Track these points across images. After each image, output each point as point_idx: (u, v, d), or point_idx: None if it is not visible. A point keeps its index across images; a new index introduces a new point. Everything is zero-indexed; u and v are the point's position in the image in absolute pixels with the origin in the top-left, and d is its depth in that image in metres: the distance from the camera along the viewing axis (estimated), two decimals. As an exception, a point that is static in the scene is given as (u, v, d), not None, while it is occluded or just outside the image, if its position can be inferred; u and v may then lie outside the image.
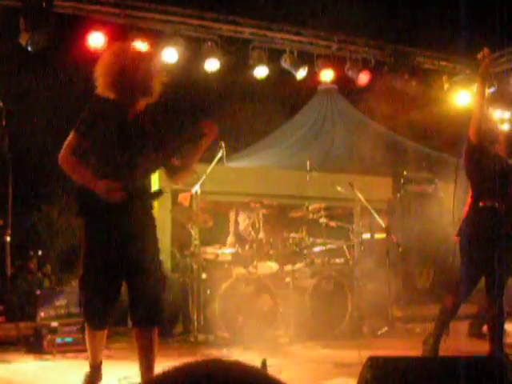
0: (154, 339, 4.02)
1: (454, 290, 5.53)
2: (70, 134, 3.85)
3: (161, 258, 4.23)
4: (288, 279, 7.51)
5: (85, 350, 5.97)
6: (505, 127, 10.46)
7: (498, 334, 5.35)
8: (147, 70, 3.92)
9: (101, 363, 4.32)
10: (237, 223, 8.10)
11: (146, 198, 4.03)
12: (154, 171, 4.24)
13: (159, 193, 4.16)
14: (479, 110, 5.30)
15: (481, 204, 5.31)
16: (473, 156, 5.39)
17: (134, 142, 3.89)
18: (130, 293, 4.02)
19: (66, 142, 3.83)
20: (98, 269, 3.93)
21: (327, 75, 9.80)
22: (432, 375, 2.95)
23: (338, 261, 8.06)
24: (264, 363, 4.14)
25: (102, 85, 3.90)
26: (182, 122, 4.06)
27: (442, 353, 5.39)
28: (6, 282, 6.96)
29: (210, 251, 7.83)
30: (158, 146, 3.98)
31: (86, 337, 4.19)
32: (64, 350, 6.08)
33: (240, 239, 7.92)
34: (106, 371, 4.87)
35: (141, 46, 8.29)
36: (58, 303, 6.92)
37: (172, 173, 4.17)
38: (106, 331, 4.20)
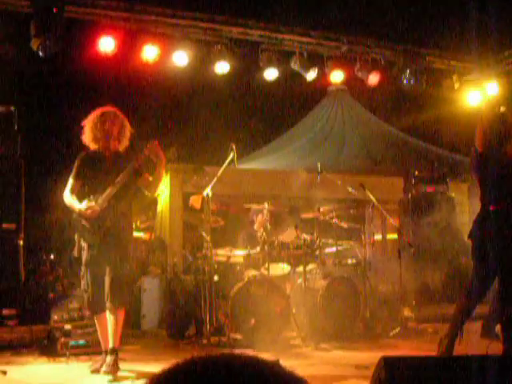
0: (115, 322, 5.41)
1: (467, 291, 5.50)
2: (69, 179, 5.59)
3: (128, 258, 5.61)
4: (300, 280, 7.51)
5: (98, 352, 6.05)
6: None
7: (511, 334, 5.32)
8: (111, 127, 5.58)
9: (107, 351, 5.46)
10: (252, 224, 8.12)
11: (119, 210, 5.53)
12: (123, 191, 5.57)
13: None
14: (483, 126, 5.28)
15: (490, 208, 5.27)
16: (479, 163, 5.38)
17: (106, 175, 5.52)
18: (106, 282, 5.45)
19: (66, 186, 5.57)
20: (91, 268, 5.52)
21: (337, 76, 9.78)
22: (445, 375, 2.94)
23: (349, 261, 8.04)
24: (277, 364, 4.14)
25: (87, 137, 5.64)
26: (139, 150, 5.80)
27: (455, 353, 5.38)
28: (19, 285, 7.00)
29: (222, 253, 7.84)
30: (125, 173, 5.52)
31: (96, 323, 5.61)
32: (77, 352, 6.10)
33: (252, 241, 7.92)
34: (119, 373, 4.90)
35: (150, 51, 8.34)
36: (70, 306, 6.96)
37: (147, 185, 5.76)
38: (105, 317, 5.44)
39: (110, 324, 5.39)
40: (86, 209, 5.44)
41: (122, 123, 5.67)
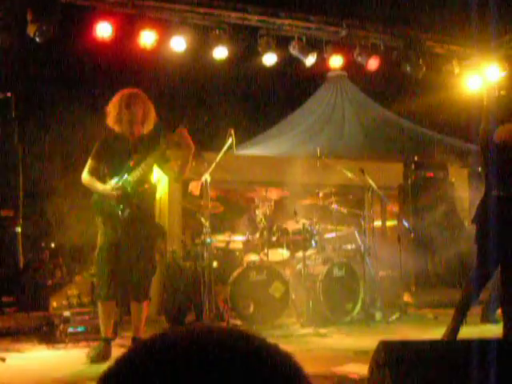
0: (141, 314, 5.45)
1: (471, 276, 5.47)
2: (88, 160, 5.49)
3: (154, 248, 5.65)
4: (299, 266, 7.50)
5: (97, 339, 6.04)
6: None
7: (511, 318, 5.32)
8: (137, 110, 5.42)
9: (110, 338, 5.49)
10: (253, 210, 8.10)
11: (143, 196, 5.45)
12: (146, 175, 5.49)
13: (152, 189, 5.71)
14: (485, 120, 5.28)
15: (493, 192, 5.23)
16: (483, 150, 5.37)
17: (128, 159, 5.41)
18: (124, 273, 5.39)
19: (85, 167, 5.48)
20: (109, 254, 5.36)
21: (336, 61, 9.73)
22: (444, 358, 2.92)
23: (349, 247, 8.03)
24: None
25: (110, 118, 5.50)
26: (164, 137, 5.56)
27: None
28: (17, 272, 6.99)
29: (221, 239, 7.83)
30: (147, 158, 5.40)
31: (99, 310, 5.45)
32: (76, 339, 6.10)
33: (251, 226, 7.91)
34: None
35: (148, 36, 8.27)
36: (69, 293, 6.95)
37: (171, 174, 5.83)
38: (113, 307, 5.47)
39: (136, 314, 5.43)
40: (113, 189, 5.31)
41: (147, 106, 5.51)
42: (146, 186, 5.49)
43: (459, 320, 5.39)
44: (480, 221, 5.34)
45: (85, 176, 5.48)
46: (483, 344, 2.96)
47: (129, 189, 5.34)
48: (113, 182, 5.36)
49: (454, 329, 5.35)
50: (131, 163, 5.39)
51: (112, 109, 5.47)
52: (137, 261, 5.34)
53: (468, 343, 3.07)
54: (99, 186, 5.39)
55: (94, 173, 5.46)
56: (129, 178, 5.36)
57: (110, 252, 5.33)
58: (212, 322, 6.80)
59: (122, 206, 5.32)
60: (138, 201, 5.38)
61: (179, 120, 5.50)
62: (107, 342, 5.41)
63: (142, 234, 5.38)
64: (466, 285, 5.54)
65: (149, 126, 5.54)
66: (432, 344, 3.30)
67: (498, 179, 5.21)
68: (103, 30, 8.00)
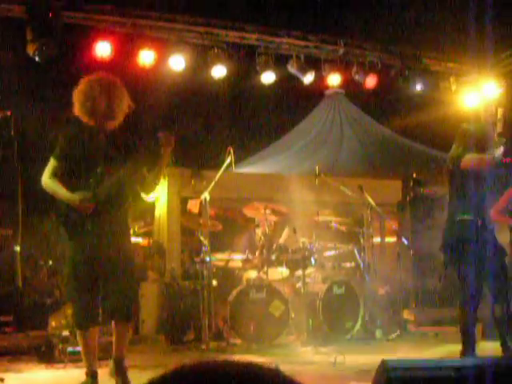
0: (123, 335, 4.72)
1: (461, 301, 5.56)
2: (50, 160, 4.57)
3: (133, 262, 4.83)
4: (299, 284, 7.48)
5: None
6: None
7: (503, 335, 5.44)
8: (109, 98, 4.56)
9: (97, 372, 4.68)
10: (253, 229, 8.11)
11: (119, 207, 4.64)
12: (124, 183, 4.66)
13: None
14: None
15: (457, 218, 5.45)
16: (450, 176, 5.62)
17: (101, 159, 4.54)
18: (104, 293, 4.60)
19: (47, 167, 4.57)
20: (81, 272, 4.54)
21: (334, 79, 9.77)
22: (447, 379, 2.91)
23: (348, 265, 8.02)
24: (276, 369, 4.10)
25: (77, 108, 4.59)
26: (142, 137, 4.99)
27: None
28: (16, 291, 6.96)
29: (221, 257, 7.82)
30: (124, 161, 4.59)
31: (80, 341, 4.69)
32: (75, 358, 6.04)
33: (251, 245, 7.90)
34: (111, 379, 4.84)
35: (147, 55, 8.31)
36: (68, 312, 6.91)
37: (143, 183, 4.82)
38: (96, 334, 4.70)
39: (118, 336, 4.65)
40: (82, 200, 4.41)
41: (121, 94, 4.65)
42: (123, 197, 4.68)
43: (468, 345, 5.38)
44: (451, 246, 5.51)
45: (46, 179, 4.55)
46: (486, 364, 2.95)
47: (102, 197, 4.50)
48: (80, 192, 4.47)
49: (467, 352, 5.34)
50: (103, 167, 4.53)
51: (77, 95, 4.57)
52: (115, 277, 4.54)
53: (472, 363, 3.05)
54: (64, 194, 4.47)
55: (56, 175, 4.55)
56: (103, 187, 4.51)
57: (82, 270, 4.50)
58: (211, 341, 6.78)
59: (90, 222, 4.49)
60: (111, 218, 4.57)
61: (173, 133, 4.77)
62: (94, 377, 4.64)
63: (117, 247, 4.57)
64: (460, 310, 5.55)
65: (120, 119, 4.69)
66: (436, 364, 3.29)
67: (464, 204, 5.42)
68: (102, 49, 8.02)
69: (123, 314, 4.65)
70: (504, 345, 5.45)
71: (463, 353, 5.37)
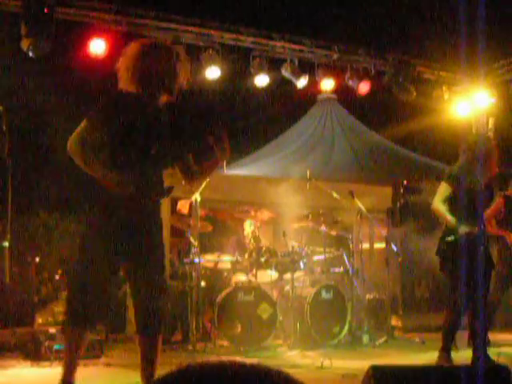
0: (158, 347, 3.90)
1: (449, 303, 5.70)
2: (82, 122, 3.69)
3: (165, 263, 4.01)
4: (287, 288, 7.49)
5: (83, 357, 5.95)
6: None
7: (479, 342, 5.56)
8: (170, 68, 3.84)
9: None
10: (242, 231, 8.11)
11: (157, 194, 3.89)
12: (168, 166, 4.02)
13: (170, 189, 3.98)
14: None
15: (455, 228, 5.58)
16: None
17: (149, 136, 3.76)
18: (134, 298, 3.90)
19: (77, 130, 3.68)
20: (97, 262, 3.72)
21: (327, 84, 9.80)
22: (435, 383, 2.92)
23: (337, 270, 8.03)
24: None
25: (123, 78, 3.83)
26: (198, 126, 4.21)
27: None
28: (3, 288, 6.92)
29: (210, 259, 7.81)
30: (174, 143, 3.89)
31: (65, 343, 3.93)
32: (62, 356, 5.99)
33: (240, 247, 7.90)
34: (104, 379, 4.84)
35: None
36: (55, 309, 6.89)
37: (187, 173, 4.10)
38: (88, 337, 3.97)
39: (149, 350, 3.83)
40: (125, 182, 3.62)
41: (184, 65, 3.93)
42: (164, 191, 3.94)
43: (449, 348, 5.58)
44: (443, 253, 5.69)
45: (76, 144, 3.66)
46: (472, 369, 2.96)
47: (147, 187, 3.76)
48: (124, 171, 3.67)
49: (445, 357, 5.53)
50: (152, 146, 3.77)
51: (141, 60, 3.80)
52: (145, 281, 3.81)
53: (457, 369, 3.07)
54: (101, 169, 3.65)
55: (90, 144, 3.67)
56: (152, 168, 3.78)
57: (102, 262, 3.73)
58: (198, 343, 6.76)
59: (124, 206, 3.71)
60: (148, 208, 3.84)
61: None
62: None
63: (153, 242, 3.87)
64: (446, 314, 5.68)
65: (175, 93, 3.94)
66: (422, 370, 3.30)
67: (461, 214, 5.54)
68: (97, 46, 8.01)
69: (155, 326, 3.86)
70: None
71: (442, 356, 5.54)
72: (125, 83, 3.81)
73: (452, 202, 5.63)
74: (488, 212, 7.02)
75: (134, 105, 3.76)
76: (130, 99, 3.78)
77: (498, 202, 7.05)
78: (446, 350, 5.58)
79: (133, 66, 3.80)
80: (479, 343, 5.61)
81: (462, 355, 6.02)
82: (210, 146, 3.96)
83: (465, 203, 5.54)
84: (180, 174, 4.11)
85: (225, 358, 6.26)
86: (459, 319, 5.63)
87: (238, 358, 6.28)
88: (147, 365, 3.85)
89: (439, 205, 5.64)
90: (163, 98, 3.89)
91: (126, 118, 3.70)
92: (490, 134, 11.16)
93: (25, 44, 7.68)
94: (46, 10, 7.73)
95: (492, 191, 5.85)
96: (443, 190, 5.67)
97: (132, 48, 3.88)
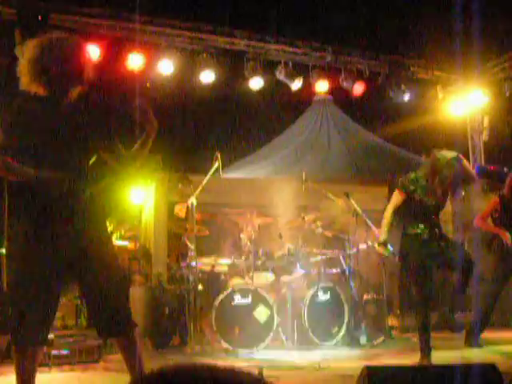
0: (134, 346, 3.69)
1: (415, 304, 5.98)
2: None
3: (117, 255, 3.84)
4: (284, 290, 7.51)
5: (81, 362, 6.00)
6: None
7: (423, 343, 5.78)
8: (72, 59, 3.65)
9: None
10: (238, 234, 8.13)
11: (92, 186, 3.64)
12: (92, 156, 3.75)
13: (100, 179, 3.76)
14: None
15: (408, 231, 5.95)
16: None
17: (67, 133, 3.59)
18: (89, 300, 3.68)
19: None
20: (37, 273, 3.41)
21: (322, 86, 9.84)
22: (428, 383, 2.95)
23: (334, 271, 8.06)
24: (260, 373, 4.13)
25: (27, 80, 3.61)
26: (115, 105, 4.02)
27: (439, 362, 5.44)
28: (1, 294, 6.93)
29: (207, 262, 7.83)
30: (93, 132, 3.71)
31: (16, 362, 3.54)
32: (60, 362, 6.04)
33: (236, 250, 7.92)
34: None
35: (136, 59, 8.33)
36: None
37: (117, 159, 3.85)
38: (41, 355, 3.77)
39: (130, 351, 3.68)
40: (48, 177, 3.44)
41: (79, 54, 3.71)
42: (96, 180, 3.72)
43: (425, 347, 5.75)
44: (401, 257, 6.07)
45: None
46: (466, 369, 2.99)
47: (69, 181, 3.54)
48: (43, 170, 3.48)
49: (425, 356, 5.72)
50: (67, 141, 3.59)
51: (35, 60, 3.60)
52: (98, 276, 3.56)
53: (451, 369, 3.10)
54: (23, 169, 3.41)
55: (7, 154, 3.41)
56: (71, 163, 3.58)
57: (44, 265, 3.42)
58: (196, 346, 6.79)
59: (57, 204, 3.48)
60: (83, 201, 3.59)
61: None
62: None
63: (96, 237, 3.62)
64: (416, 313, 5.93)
65: (79, 86, 3.73)
66: (416, 370, 3.33)
67: (411, 218, 5.97)
68: (91, 52, 8.03)
69: (122, 324, 3.66)
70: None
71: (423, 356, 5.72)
72: (29, 86, 3.62)
73: (403, 209, 5.97)
74: (483, 211, 7.07)
75: (42, 105, 3.58)
76: (37, 100, 3.59)
77: (493, 200, 7.08)
78: (422, 350, 5.74)
79: (32, 64, 3.60)
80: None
81: (454, 355, 6.07)
82: (136, 121, 3.76)
83: (414, 212, 5.91)
84: (110, 160, 3.83)
85: (222, 361, 6.30)
86: (427, 319, 5.81)
87: (236, 361, 6.31)
88: (129, 369, 3.74)
89: (388, 214, 6.00)
90: (75, 91, 3.70)
91: (36, 123, 3.53)
92: (485, 132, 11.22)
93: (19, 51, 7.70)
94: (40, 17, 7.77)
95: (442, 203, 6.06)
96: (395, 198, 6.02)
97: (28, 49, 3.68)
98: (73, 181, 3.53)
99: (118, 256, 3.85)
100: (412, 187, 5.93)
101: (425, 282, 5.82)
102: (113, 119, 3.85)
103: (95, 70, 3.82)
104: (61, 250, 3.46)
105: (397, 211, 5.98)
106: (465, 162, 5.95)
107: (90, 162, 3.70)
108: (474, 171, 6.73)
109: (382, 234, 5.93)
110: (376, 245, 6.06)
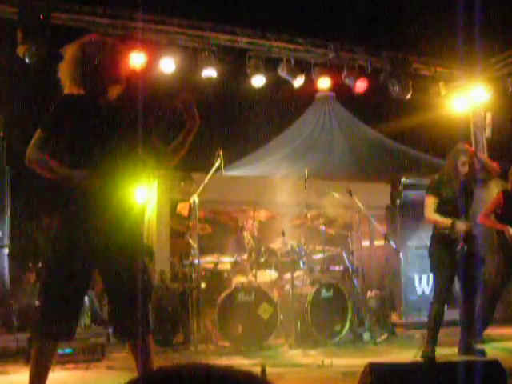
0: (148, 350, 3.66)
1: (435, 298, 6.16)
2: (36, 132, 3.59)
3: (144, 258, 3.82)
4: (287, 287, 7.50)
5: (84, 360, 6.00)
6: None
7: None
8: (112, 59, 3.76)
9: None
10: (241, 232, 8.13)
11: (127, 185, 3.69)
12: (132, 156, 3.77)
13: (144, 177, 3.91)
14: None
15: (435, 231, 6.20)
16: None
17: (108, 131, 3.66)
18: (113, 301, 3.69)
19: (32, 141, 3.58)
20: (71, 266, 3.51)
21: (324, 83, 9.82)
22: (431, 380, 2.94)
23: (337, 268, 8.05)
24: (263, 370, 4.13)
25: (68, 82, 3.73)
26: (156, 105, 4.00)
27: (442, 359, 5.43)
28: (4, 294, 6.95)
29: (209, 260, 7.83)
30: (134, 131, 3.75)
31: (35, 356, 3.53)
32: (64, 360, 6.04)
33: (239, 248, 7.92)
34: (106, 382, 4.86)
35: (137, 58, 8.31)
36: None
37: (157, 156, 3.89)
38: (56, 351, 3.74)
39: (143, 356, 3.61)
40: (84, 176, 3.49)
41: (119, 56, 3.84)
42: (132, 180, 3.75)
43: (432, 341, 6.03)
44: (430, 254, 6.25)
45: (33, 153, 3.54)
46: (469, 365, 2.98)
47: (106, 180, 3.57)
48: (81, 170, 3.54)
49: (430, 350, 5.98)
50: (107, 141, 3.66)
51: (75, 62, 3.72)
52: (125, 281, 3.58)
53: (454, 365, 3.09)
54: (61, 169, 3.55)
55: (47, 151, 3.57)
56: (109, 162, 3.62)
57: (76, 259, 3.52)
58: (199, 344, 6.79)
59: (93, 202, 3.54)
60: (119, 200, 3.64)
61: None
62: None
63: (128, 237, 3.63)
64: (432, 307, 6.14)
65: (120, 87, 3.85)
66: (419, 366, 3.32)
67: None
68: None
69: (141, 328, 3.61)
70: (466, 346, 6.08)
71: (427, 349, 5.99)
72: (70, 88, 3.71)
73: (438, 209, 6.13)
74: (487, 207, 7.06)
75: (83, 105, 3.67)
76: (79, 100, 3.69)
77: (497, 196, 7.07)
78: (430, 344, 6.02)
79: (72, 68, 3.71)
80: (463, 334, 6.13)
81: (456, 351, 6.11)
82: (179, 115, 3.79)
83: (446, 210, 6.06)
84: (150, 158, 3.88)
85: (226, 359, 6.30)
86: (442, 312, 6.05)
87: (240, 359, 6.31)
88: (139, 373, 3.61)
89: (432, 215, 6.11)
90: (113, 91, 3.79)
91: (77, 120, 3.61)
92: (488, 129, 11.19)
93: (21, 50, 7.71)
94: (41, 17, 7.76)
95: (470, 191, 6.24)
96: (429, 202, 6.15)
97: (67, 51, 3.79)
98: (110, 178, 3.57)
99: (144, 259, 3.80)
100: (437, 188, 6.16)
101: (444, 277, 6.05)
102: (151, 118, 3.88)
103: (133, 73, 3.79)
104: (91, 246, 3.51)
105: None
106: (479, 153, 6.22)
107: (128, 160, 3.71)
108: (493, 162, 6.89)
109: (446, 222, 6.02)
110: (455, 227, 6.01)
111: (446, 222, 6.00)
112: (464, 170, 6.10)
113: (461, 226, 5.95)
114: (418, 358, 5.94)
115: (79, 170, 3.52)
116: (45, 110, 3.74)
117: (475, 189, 6.30)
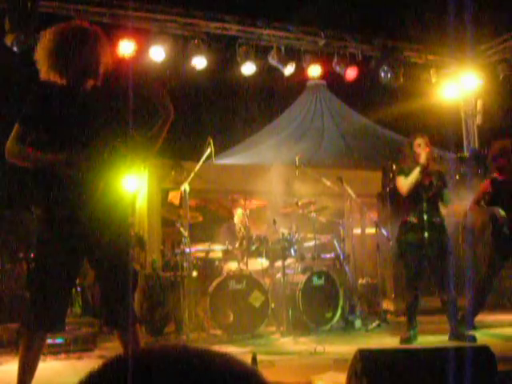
0: (137, 339, 3.65)
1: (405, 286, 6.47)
2: (15, 125, 3.54)
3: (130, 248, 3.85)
4: (279, 275, 7.51)
5: (76, 350, 5.99)
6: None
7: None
8: (91, 50, 3.68)
9: None
10: (232, 220, 8.13)
11: (111, 175, 3.64)
12: (110, 148, 3.69)
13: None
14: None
15: (404, 219, 6.41)
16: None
17: (85, 121, 3.61)
18: (102, 290, 3.73)
19: (12, 134, 3.53)
20: (58, 257, 3.49)
21: (315, 71, 9.80)
22: (420, 366, 2.95)
23: (328, 256, 8.06)
24: (254, 358, 4.13)
25: (44, 68, 3.66)
26: (130, 96, 3.81)
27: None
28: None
29: (201, 249, 7.83)
30: (111, 121, 3.72)
31: (24, 346, 3.52)
32: (55, 351, 6.04)
33: (231, 236, 7.92)
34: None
35: (127, 46, 8.27)
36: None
37: (134, 148, 3.83)
38: (45, 342, 3.70)
39: (130, 343, 3.60)
40: (68, 159, 3.44)
41: (100, 46, 3.73)
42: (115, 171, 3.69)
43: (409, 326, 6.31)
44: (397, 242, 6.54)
45: (13, 146, 3.51)
46: (458, 351, 2.99)
47: (96, 168, 3.54)
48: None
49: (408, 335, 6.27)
50: (85, 129, 3.60)
51: (55, 49, 3.64)
52: (111, 273, 3.60)
53: (443, 350, 3.10)
54: (44, 156, 3.50)
55: (29, 144, 3.55)
56: (89, 153, 3.53)
57: (65, 250, 3.51)
58: (191, 332, 6.79)
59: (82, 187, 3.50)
60: (105, 190, 3.58)
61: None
62: None
63: (116, 228, 3.60)
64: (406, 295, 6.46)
65: (101, 76, 3.77)
66: (408, 352, 3.33)
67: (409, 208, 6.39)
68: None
69: (128, 318, 3.60)
70: (456, 333, 6.13)
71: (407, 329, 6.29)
72: (47, 73, 3.64)
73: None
74: (475, 195, 7.08)
75: (60, 95, 3.61)
76: (55, 90, 3.63)
77: (482, 184, 7.09)
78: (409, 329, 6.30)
79: (52, 54, 3.63)
80: (451, 321, 6.19)
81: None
82: (153, 108, 3.76)
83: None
84: (125, 148, 3.80)
85: (218, 347, 6.30)
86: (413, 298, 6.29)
87: (231, 347, 6.32)
88: None
89: (405, 182, 6.34)
90: (90, 82, 3.72)
91: (56, 110, 3.56)
92: (479, 116, 11.21)
93: (9, 39, 7.66)
94: (29, 5, 7.70)
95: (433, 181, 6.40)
96: (400, 181, 6.42)
97: (48, 35, 3.69)
98: (93, 165, 3.52)
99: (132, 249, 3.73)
100: (402, 171, 6.41)
101: (411, 265, 6.24)
102: (127, 107, 3.83)
103: (113, 61, 3.86)
104: (79, 236, 3.50)
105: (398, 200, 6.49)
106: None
107: (106, 150, 3.65)
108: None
109: (414, 173, 6.22)
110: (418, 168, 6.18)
111: (416, 172, 6.19)
112: (419, 151, 6.29)
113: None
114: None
115: (64, 154, 3.45)
116: (22, 100, 3.65)
117: (440, 180, 6.38)
